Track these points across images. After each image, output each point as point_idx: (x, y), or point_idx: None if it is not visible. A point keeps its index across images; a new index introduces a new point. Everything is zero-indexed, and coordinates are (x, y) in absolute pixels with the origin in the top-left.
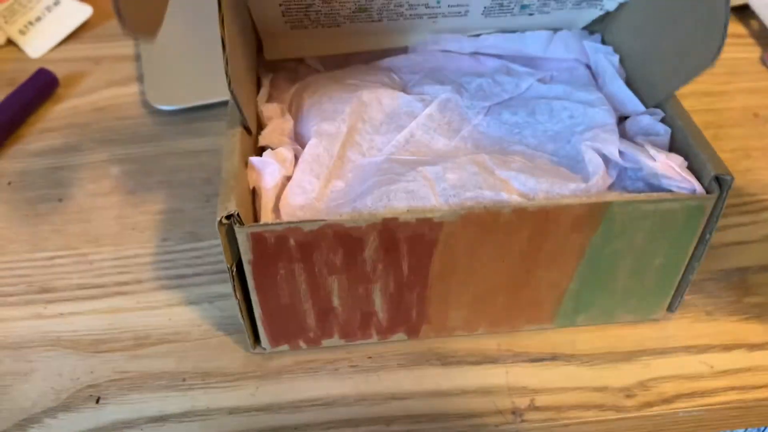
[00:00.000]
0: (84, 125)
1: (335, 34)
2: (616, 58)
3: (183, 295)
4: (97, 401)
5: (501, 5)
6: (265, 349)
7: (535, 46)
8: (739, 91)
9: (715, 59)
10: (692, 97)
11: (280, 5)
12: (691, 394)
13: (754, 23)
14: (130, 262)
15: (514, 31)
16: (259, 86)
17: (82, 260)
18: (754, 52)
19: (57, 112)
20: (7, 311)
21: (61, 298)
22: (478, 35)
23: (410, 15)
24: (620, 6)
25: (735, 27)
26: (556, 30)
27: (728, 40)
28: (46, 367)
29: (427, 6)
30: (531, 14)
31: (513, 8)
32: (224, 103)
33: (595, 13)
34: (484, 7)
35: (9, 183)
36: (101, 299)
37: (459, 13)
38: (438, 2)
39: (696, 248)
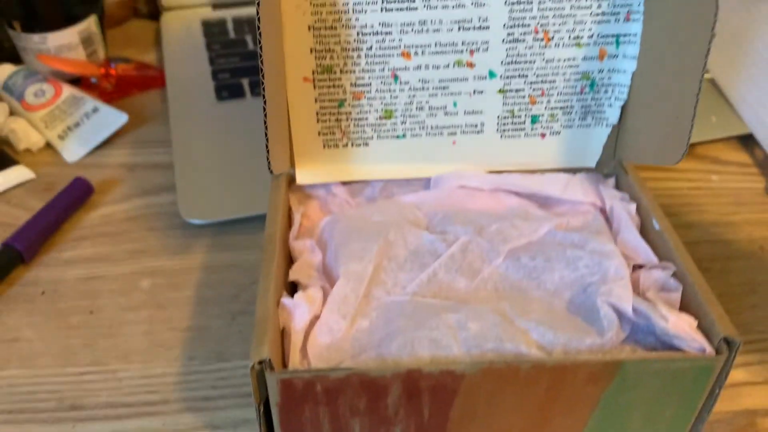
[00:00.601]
0: (116, 234)
1: (364, 155)
2: (633, 207)
3: (208, 418)
4: None
5: (512, 114)
6: None
7: (553, 187)
8: (746, 222)
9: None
10: (699, 227)
11: (316, 100)
12: None
13: (758, 152)
14: (157, 381)
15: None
16: (290, 218)
17: (111, 377)
18: (759, 182)
19: (90, 220)
20: (38, 428)
21: (91, 416)
22: (499, 172)
23: (431, 128)
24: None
25: (740, 156)
26: (574, 170)
27: (733, 169)
28: None
29: (446, 112)
30: (543, 134)
31: (524, 120)
32: (253, 218)
33: (603, 131)
34: (497, 117)
35: (42, 293)
36: (129, 419)
37: (475, 126)
38: (455, 105)
39: (705, 402)
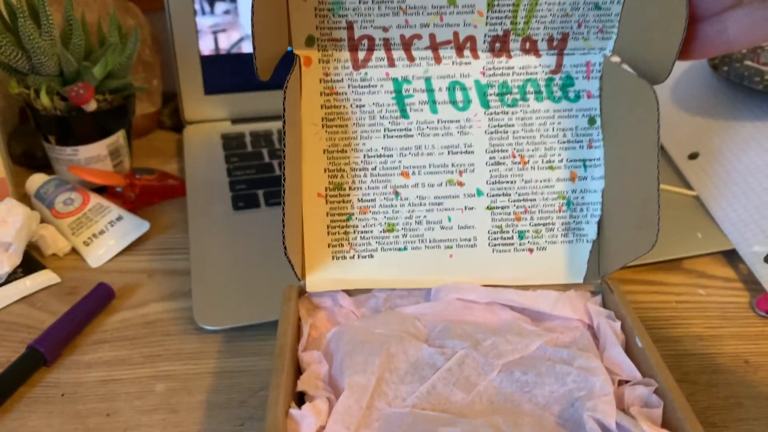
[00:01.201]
0: (134, 338)
1: (369, 266)
2: (617, 325)
3: None
4: None
5: (501, 229)
6: None
7: (544, 303)
8: (731, 336)
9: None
10: (687, 340)
11: (327, 214)
12: None
13: (742, 267)
14: None
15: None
16: (300, 329)
17: None
18: (744, 296)
19: (110, 324)
20: None
21: None
22: (494, 286)
23: (429, 242)
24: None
25: (725, 271)
26: (562, 285)
27: (719, 284)
28: None
29: (442, 227)
30: (531, 250)
31: (512, 236)
32: (263, 324)
33: (585, 246)
34: (488, 231)
35: (63, 395)
36: None
37: (469, 240)
38: (449, 219)
39: None
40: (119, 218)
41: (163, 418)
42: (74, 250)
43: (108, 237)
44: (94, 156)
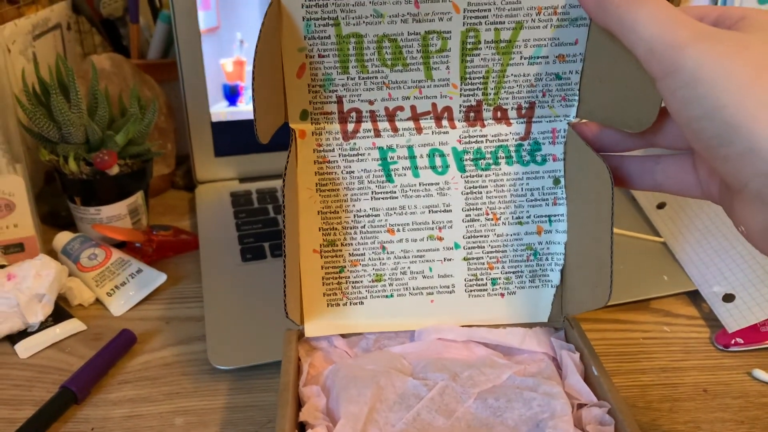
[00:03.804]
0: (154, 378)
1: (360, 312)
2: (577, 356)
3: None
4: None
5: (476, 277)
6: None
7: (514, 339)
8: (692, 368)
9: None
10: (652, 372)
11: (322, 268)
12: None
13: (704, 306)
14: None
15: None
16: (300, 368)
17: None
18: (705, 332)
19: (133, 366)
20: None
21: None
22: (470, 326)
23: (413, 289)
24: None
25: (689, 310)
26: (530, 325)
27: (683, 321)
28: None
29: (423, 276)
30: (503, 294)
31: (486, 283)
32: (269, 364)
33: (549, 291)
34: (465, 279)
35: (92, 429)
36: None
37: (447, 287)
38: (431, 270)
39: None
40: (139, 271)
41: None
42: (98, 301)
43: (129, 288)
44: (115, 215)
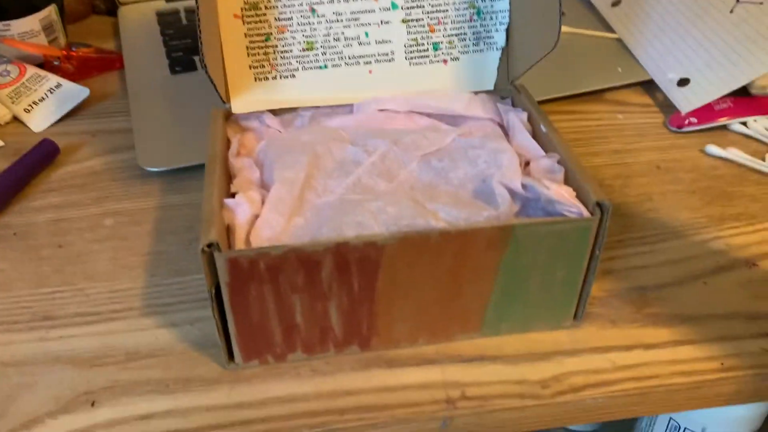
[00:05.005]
0: (82, 186)
1: (291, 85)
2: (524, 115)
3: (168, 319)
4: (92, 404)
5: (416, 41)
6: (238, 364)
7: (458, 105)
8: (646, 149)
9: (555, 47)
10: (605, 154)
11: (245, 35)
12: (597, 385)
13: (659, 95)
14: (122, 294)
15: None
16: (229, 143)
17: (79, 293)
18: (659, 118)
19: (57, 176)
20: (14, 335)
21: (62, 324)
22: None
23: (349, 58)
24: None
25: (643, 98)
26: (476, 91)
27: (636, 109)
28: (47, 379)
29: (359, 42)
30: (445, 60)
31: (427, 48)
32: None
33: (495, 54)
34: (404, 45)
35: (14, 233)
36: (97, 324)
37: (386, 55)
38: (367, 35)
39: (589, 263)
40: (58, 86)
41: (114, 244)
42: (16, 119)
43: (48, 103)
44: (28, 31)
